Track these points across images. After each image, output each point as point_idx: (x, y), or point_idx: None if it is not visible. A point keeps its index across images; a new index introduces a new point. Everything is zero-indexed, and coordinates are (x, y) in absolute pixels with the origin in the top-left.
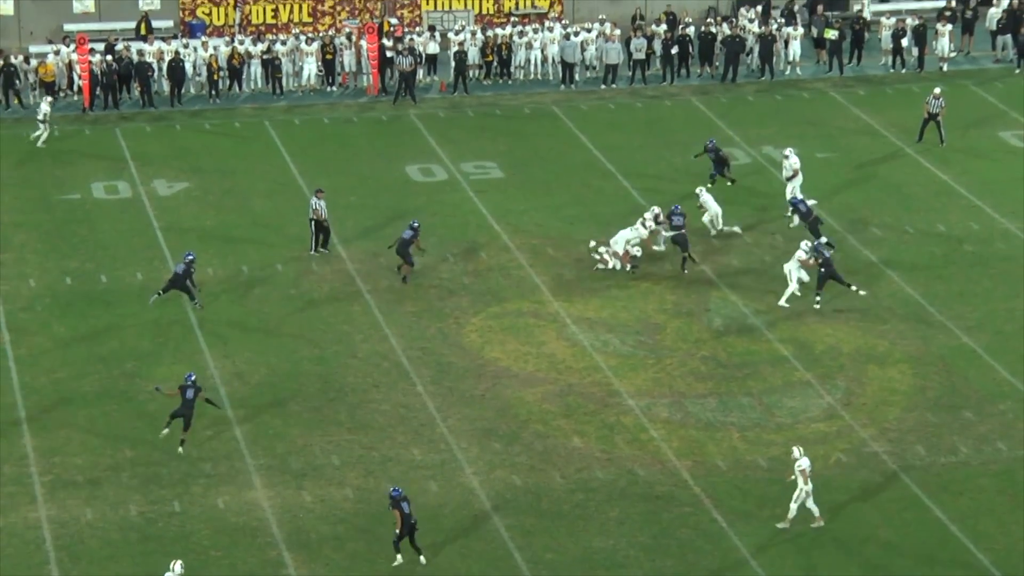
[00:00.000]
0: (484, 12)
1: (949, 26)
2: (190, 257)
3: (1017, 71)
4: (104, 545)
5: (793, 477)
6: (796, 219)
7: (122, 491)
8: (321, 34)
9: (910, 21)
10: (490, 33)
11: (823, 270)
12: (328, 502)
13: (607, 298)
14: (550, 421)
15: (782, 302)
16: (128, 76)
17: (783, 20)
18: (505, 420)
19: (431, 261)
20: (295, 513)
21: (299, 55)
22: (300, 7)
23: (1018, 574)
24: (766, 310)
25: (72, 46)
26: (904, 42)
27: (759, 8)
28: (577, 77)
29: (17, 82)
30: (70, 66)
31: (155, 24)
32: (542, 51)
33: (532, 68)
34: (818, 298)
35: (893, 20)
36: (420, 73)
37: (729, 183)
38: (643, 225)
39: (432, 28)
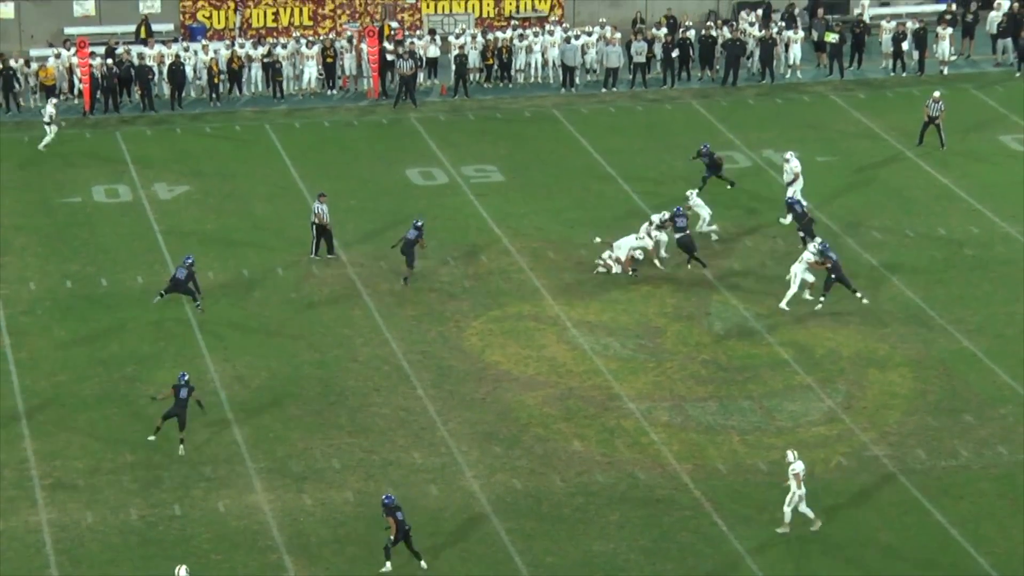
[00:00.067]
0: (484, 15)
1: (950, 29)
2: (190, 260)
3: (1017, 75)
4: (104, 549)
5: (788, 482)
6: (789, 218)
7: (122, 495)
8: (322, 37)
9: (910, 24)
10: (490, 36)
11: (832, 275)
12: (328, 505)
13: (607, 301)
14: (550, 424)
15: (783, 304)
16: (128, 80)
17: (783, 23)
18: (505, 424)
19: (431, 264)
20: (296, 517)
21: (300, 58)
22: (300, 11)
23: None
24: (767, 314)
25: (72, 49)
26: (904, 46)
27: (759, 11)
28: (577, 80)
29: (16, 85)
30: (71, 70)
31: (156, 28)
32: (542, 54)
33: (532, 71)
34: (822, 299)
35: (893, 23)
36: (420, 76)
37: (729, 186)
38: (648, 235)
39: (432, 31)
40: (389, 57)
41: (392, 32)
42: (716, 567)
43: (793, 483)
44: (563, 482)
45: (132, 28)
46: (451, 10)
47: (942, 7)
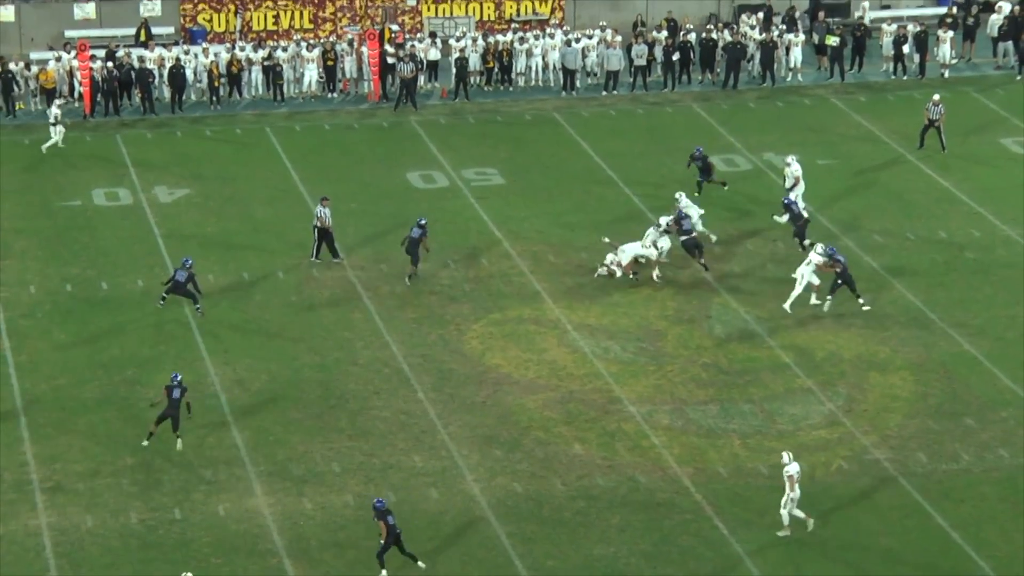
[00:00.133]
0: (485, 18)
1: (950, 33)
2: (189, 262)
3: (1018, 78)
4: (104, 552)
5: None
6: (786, 218)
7: (122, 498)
8: (322, 40)
9: (911, 27)
10: (491, 40)
11: (839, 280)
12: (329, 509)
13: (608, 305)
14: (551, 428)
15: (786, 305)
16: (129, 83)
17: (784, 26)
18: (506, 427)
19: (432, 267)
20: (296, 520)
21: (300, 61)
22: (301, 13)
23: None
24: (767, 317)
25: (73, 53)
26: (905, 49)
27: (760, 14)
28: (578, 84)
29: (16, 89)
30: (71, 73)
31: (156, 31)
32: (543, 57)
33: (533, 75)
34: (829, 298)
35: (894, 26)
36: (421, 79)
37: (722, 186)
38: (654, 245)
39: (433, 34)
40: (390, 60)
41: (393, 35)
42: (717, 570)
43: (787, 485)
44: (564, 485)
45: (133, 31)
46: (452, 13)
47: (943, 10)
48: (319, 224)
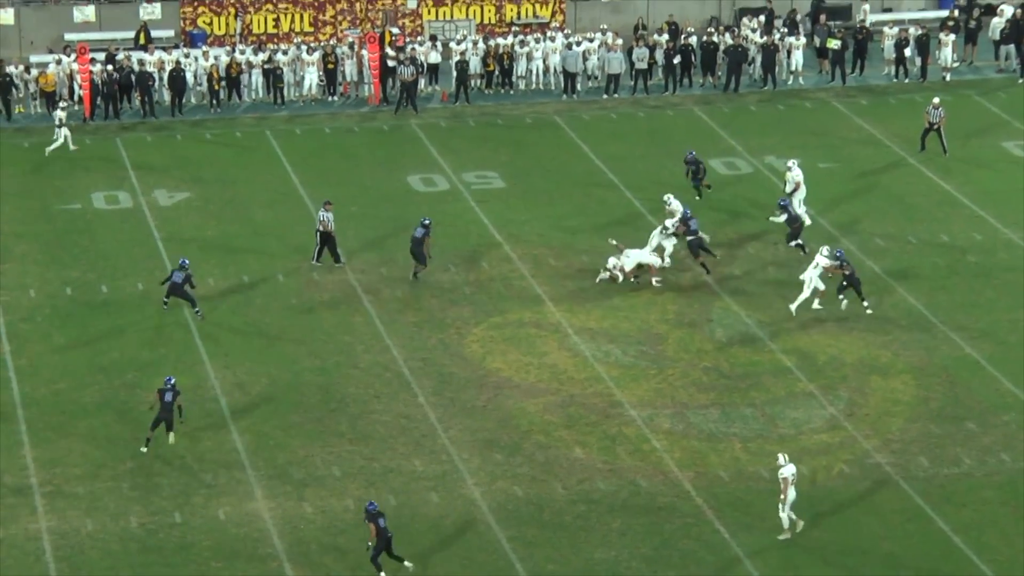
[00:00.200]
0: (486, 22)
1: (952, 36)
2: (186, 263)
3: (1020, 81)
4: (104, 556)
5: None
6: (783, 217)
7: (122, 502)
8: (322, 43)
9: (913, 31)
10: (492, 43)
11: (846, 282)
12: (329, 513)
13: (609, 308)
14: (552, 432)
15: (792, 307)
16: (129, 86)
17: (785, 30)
18: (507, 431)
19: (432, 271)
20: (296, 524)
21: (300, 65)
22: (301, 16)
23: None
24: (769, 321)
25: (73, 56)
26: (907, 52)
27: (761, 18)
28: (579, 87)
29: (15, 92)
30: (71, 76)
31: (156, 34)
32: (544, 61)
33: (534, 78)
34: (842, 299)
35: (896, 30)
36: (421, 83)
37: (707, 188)
38: (660, 255)
39: (434, 38)
40: (390, 63)
41: (393, 38)
42: (718, 574)
43: (781, 486)
44: (564, 489)
45: (132, 34)
46: (452, 16)
47: (945, 13)
48: (321, 228)
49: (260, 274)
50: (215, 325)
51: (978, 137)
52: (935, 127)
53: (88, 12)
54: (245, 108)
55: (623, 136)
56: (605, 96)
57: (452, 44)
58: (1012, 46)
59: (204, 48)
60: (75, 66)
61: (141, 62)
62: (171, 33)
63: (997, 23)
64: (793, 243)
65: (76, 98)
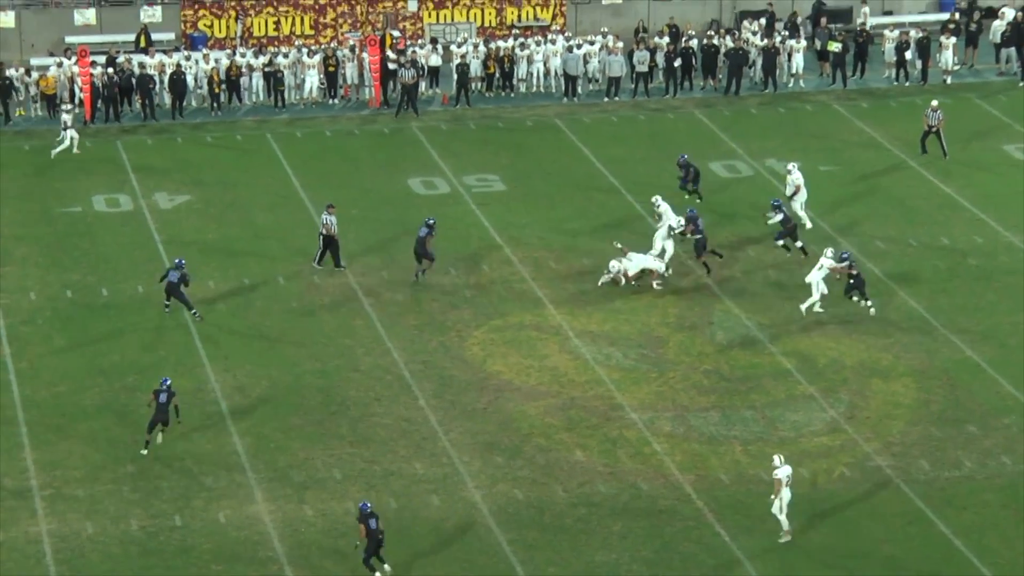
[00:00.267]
0: (486, 24)
1: (953, 39)
2: (181, 262)
3: (1021, 84)
4: (105, 559)
5: (791, 489)
6: (779, 217)
7: (123, 505)
8: (323, 46)
9: (914, 34)
10: (492, 45)
11: (852, 281)
12: (330, 516)
13: (610, 311)
14: (552, 435)
15: (803, 307)
16: (129, 89)
17: (786, 32)
18: (507, 434)
19: (433, 274)
20: (296, 527)
21: (301, 67)
22: (302, 19)
23: None
24: (769, 323)
25: (73, 58)
26: (908, 55)
27: (762, 20)
28: (580, 90)
29: (14, 95)
30: (72, 79)
31: (157, 37)
32: (544, 63)
33: (534, 81)
34: (855, 299)
35: (897, 33)
36: (422, 85)
37: (687, 196)
38: (664, 261)
39: (434, 40)
40: (391, 66)
41: (394, 41)
42: None
43: (775, 487)
44: (565, 492)
45: (133, 37)
46: (453, 19)
47: (945, 16)
48: (325, 232)
49: (261, 277)
50: (215, 328)
51: (979, 140)
52: (934, 129)
53: (89, 15)
54: (246, 111)
55: (624, 139)
56: (606, 99)
57: (453, 47)
58: (1013, 49)
59: (205, 51)
60: (76, 69)
61: (142, 65)
62: (172, 36)
63: (998, 26)
64: (780, 242)
65: (77, 101)
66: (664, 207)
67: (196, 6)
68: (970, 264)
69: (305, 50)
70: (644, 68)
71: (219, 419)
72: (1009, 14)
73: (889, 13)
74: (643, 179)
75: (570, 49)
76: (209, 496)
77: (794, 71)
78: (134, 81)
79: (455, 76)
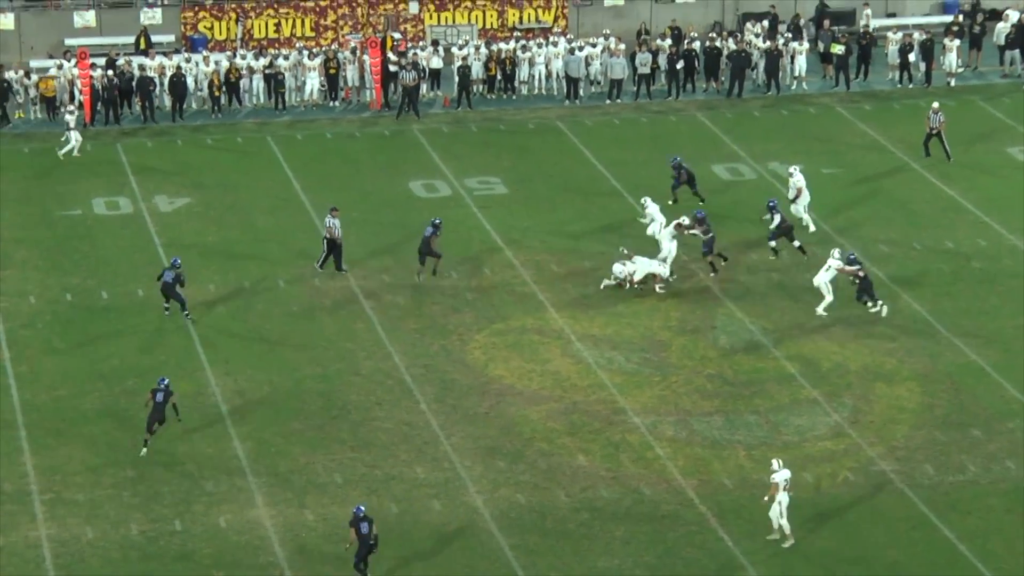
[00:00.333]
0: (488, 27)
1: (957, 41)
2: (177, 262)
3: None
4: (105, 564)
5: (792, 493)
6: (778, 218)
7: (123, 509)
8: (324, 48)
9: (917, 36)
10: (494, 48)
11: (859, 282)
12: (331, 520)
13: (612, 315)
14: (554, 439)
15: (819, 310)
16: (129, 91)
17: (789, 35)
18: (509, 438)
19: (434, 277)
20: (297, 532)
21: (302, 70)
22: (303, 21)
23: None
24: (772, 327)
25: (73, 61)
26: (911, 57)
27: (765, 23)
28: (581, 92)
29: (14, 97)
30: (71, 81)
31: (157, 39)
32: (546, 66)
33: (536, 83)
34: (870, 304)
35: (900, 35)
36: (423, 88)
37: (671, 202)
38: (667, 265)
39: (436, 43)
40: (392, 68)
41: (395, 43)
42: None
43: (771, 490)
44: (567, 497)
45: (133, 39)
46: (454, 21)
47: (949, 18)
48: (328, 235)
49: (261, 280)
50: (216, 331)
51: (982, 143)
52: (935, 132)
53: (88, 17)
54: (246, 113)
55: (626, 141)
56: (608, 101)
57: (454, 49)
58: (1017, 51)
59: (205, 53)
60: (75, 71)
61: (142, 67)
62: (172, 38)
63: (1002, 28)
64: (773, 243)
65: (77, 103)
66: (651, 208)
67: (196, 8)
68: (974, 267)
69: (306, 52)
70: (646, 70)
71: (219, 423)
72: (1013, 16)
73: (892, 15)
74: (645, 182)
75: (572, 51)
76: (209, 500)
77: (797, 73)
78: (134, 83)
79: (456, 78)
